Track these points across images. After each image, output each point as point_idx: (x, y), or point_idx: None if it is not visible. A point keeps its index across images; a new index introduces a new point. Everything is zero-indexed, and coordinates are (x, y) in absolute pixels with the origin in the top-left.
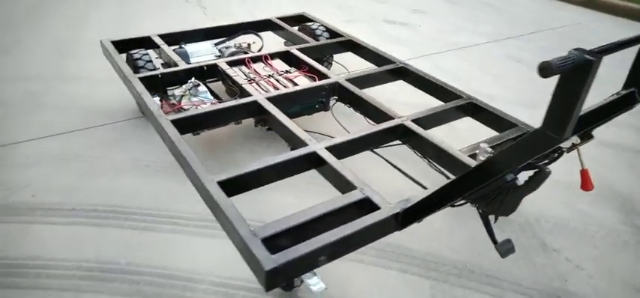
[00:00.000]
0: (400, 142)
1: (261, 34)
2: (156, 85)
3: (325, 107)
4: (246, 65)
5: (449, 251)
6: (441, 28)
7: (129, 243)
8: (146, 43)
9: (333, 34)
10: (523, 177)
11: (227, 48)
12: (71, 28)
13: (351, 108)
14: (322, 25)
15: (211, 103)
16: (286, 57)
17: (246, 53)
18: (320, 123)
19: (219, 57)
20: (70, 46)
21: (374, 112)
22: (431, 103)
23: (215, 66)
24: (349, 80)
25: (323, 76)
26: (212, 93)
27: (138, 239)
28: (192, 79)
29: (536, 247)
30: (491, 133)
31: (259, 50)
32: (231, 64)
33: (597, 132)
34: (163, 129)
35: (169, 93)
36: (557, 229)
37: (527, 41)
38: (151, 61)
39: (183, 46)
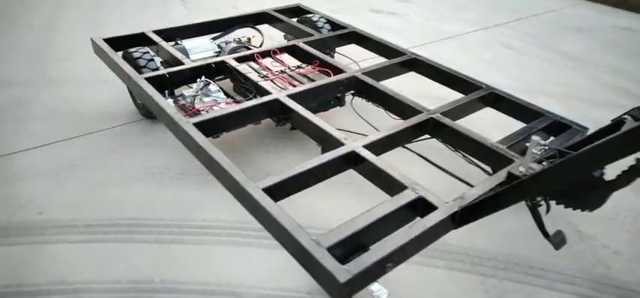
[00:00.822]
0: (429, 136)
1: (258, 27)
2: (163, 86)
3: (341, 102)
4: (255, 61)
5: (489, 245)
6: (429, 16)
7: (159, 259)
8: (141, 40)
9: (334, 25)
10: None
11: (227, 43)
12: (46, 31)
13: (369, 103)
14: (323, 17)
15: (226, 103)
16: (293, 51)
17: (247, 48)
18: (333, 118)
19: (219, 53)
20: (47, 49)
21: (399, 107)
22: (441, 94)
23: (223, 63)
24: (366, 74)
25: (337, 71)
26: (224, 91)
27: (168, 253)
28: (203, 78)
29: (573, 235)
30: (506, 121)
31: (261, 45)
32: (240, 60)
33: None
34: (187, 134)
35: (177, 93)
36: (587, 216)
37: (514, 28)
38: (152, 60)
39: (179, 42)
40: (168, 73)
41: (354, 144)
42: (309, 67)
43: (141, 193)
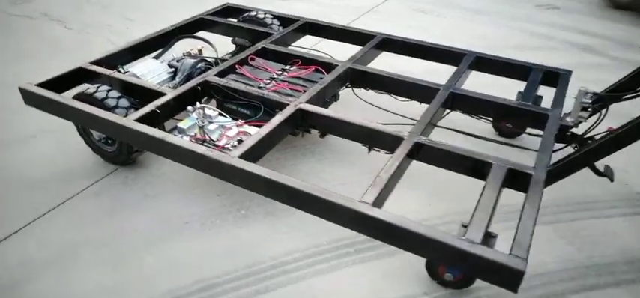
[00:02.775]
0: (449, 110)
1: (191, 34)
2: (154, 123)
3: (336, 97)
4: (234, 72)
5: None
6: None
7: None
8: (80, 76)
9: (281, 19)
10: None
11: (179, 60)
12: None
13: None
14: (268, 12)
15: (238, 125)
16: (264, 54)
17: (207, 61)
18: None
19: (175, 72)
20: None
21: (408, 88)
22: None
23: (206, 83)
24: (357, 62)
25: (327, 66)
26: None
27: None
28: (197, 104)
29: None
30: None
31: (217, 55)
32: (220, 75)
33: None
34: (242, 171)
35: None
36: None
37: None
38: (122, 97)
39: (121, 69)
40: (159, 107)
41: (414, 136)
42: (294, 67)
43: (182, 251)
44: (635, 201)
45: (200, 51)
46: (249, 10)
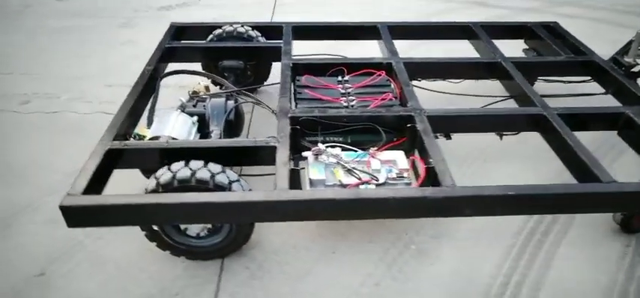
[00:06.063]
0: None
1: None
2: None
3: None
4: (302, 99)
5: None
6: None
7: None
8: (111, 162)
9: (260, 29)
10: None
11: (195, 105)
12: None
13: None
14: (245, 25)
15: (374, 154)
16: (296, 70)
17: (236, 99)
18: None
19: (201, 120)
20: None
21: (463, 68)
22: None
23: (295, 119)
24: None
25: (378, 66)
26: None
27: None
28: (320, 146)
29: None
30: None
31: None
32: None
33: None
34: (476, 199)
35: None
36: None
37: None
38: (224, 169)
39: (137, 136)
40: (294, 166)
41: (546, 110)
42: (349, 76)
43: None
44: None
45: (207, 88)
46: (217, 26)
